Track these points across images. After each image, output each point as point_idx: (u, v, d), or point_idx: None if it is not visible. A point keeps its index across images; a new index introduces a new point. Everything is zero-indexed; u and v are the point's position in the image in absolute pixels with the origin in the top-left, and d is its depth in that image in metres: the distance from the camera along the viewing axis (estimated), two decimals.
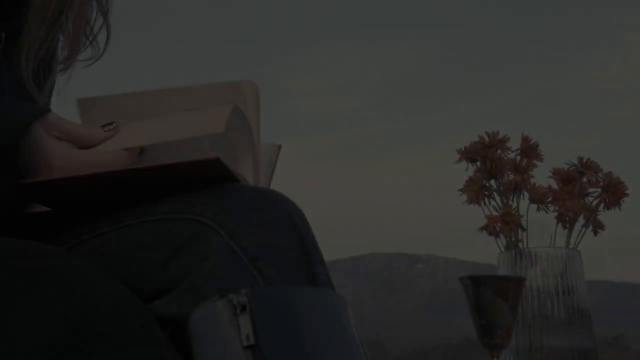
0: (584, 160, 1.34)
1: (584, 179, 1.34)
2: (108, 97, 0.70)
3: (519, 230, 1.31)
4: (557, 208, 1.31)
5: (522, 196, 1.34)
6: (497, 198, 1.35)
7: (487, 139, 1.34)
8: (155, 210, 0.61)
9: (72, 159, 0.62)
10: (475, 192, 1.34)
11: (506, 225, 1.28)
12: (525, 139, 1.35)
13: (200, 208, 0.59)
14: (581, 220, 1.32)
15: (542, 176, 1.36)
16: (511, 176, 1.33)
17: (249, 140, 0.68)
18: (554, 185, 1.35)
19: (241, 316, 0.52)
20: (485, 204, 1.35)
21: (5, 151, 0.58)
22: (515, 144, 1.36)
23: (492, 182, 1.36)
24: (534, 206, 1.33)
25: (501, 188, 1.34)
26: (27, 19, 0.75)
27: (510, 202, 1.33)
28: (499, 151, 1.34)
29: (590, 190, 1.34)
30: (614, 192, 1.30)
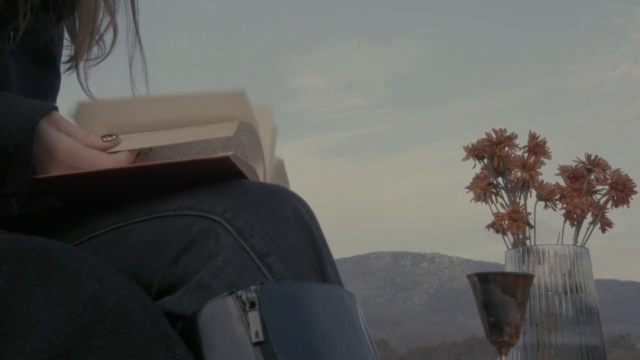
0: (592, 158, 1.33)
1: (592, 176, 1.33)
2: (109, 100, 0.70)
3: (527, 228, 1.30)
4: (564, 205, 1.30)
5: (529, 193, 1.33)
6: (505, 195, 1.35)
7: (494, 136, 1.34)
8: (164, 206, 0.61)
9: (76, 153, 0.62)
10: (483, 189, 1.34)
11: (513, 222, 1.28)
12: (532, 136, 1.35)
13: (209, 204, 0.59)
14: (589, 218, 1.32)
15: (549, 173, 1.36)
16: (518, 173, 1.32)
17: (257, 142, 0.68)
18: (562, 183, 1.35)
19: (250, 312, 0.52)
20: (492, 201, 1.34)
21: (20, 148, 0.58)
22: (522, 141, 1.35)
23: (500, 179, 1.35)
24: (541, 204, 1.33)
25: (508, 185, 1.34)
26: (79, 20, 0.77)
27: (517, 200, 1.33)
28: (506, 148, 1.33)
29: (598, 187, 1.33)
30: (622, 190, 1.30)
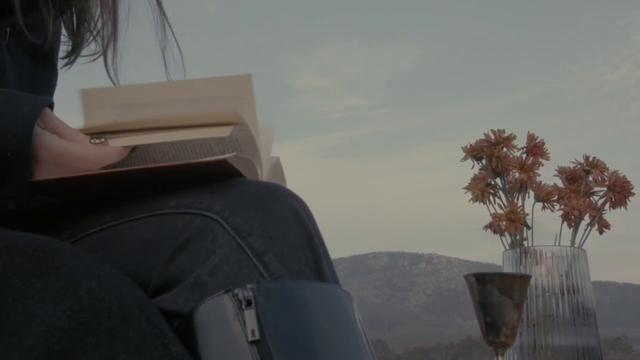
0: (590, 159, 1.33)
1: (590, 178, 1.33)
2: (110, 88, 0.69)
3: (524, 229, 1.30)
4: (562, 207, 1.31)
5: (527, 194, 1.33)
6: (503, 196, 1.35)
7: (492, 136, 1.34)
8: (162, 204, 0.61)
9: (60, 151, 0.61)
10: (481, 190, 1.34)
11: (511, 223, 1.28)
12: (531, 137, 1.35)
13: (206, 202, 0.59)
14: (586, 219, 1.32)
15: (547, 174, 1.36)
16: (517, 174, 1.32)
17: (252, 141, 0.67)
18: (560, 184, 1.35)
19: (247, 311, 0.52)
20: (490, 202, 1.34)
21: (18, 153, 0.58)
22: (521, 142, 1.35)
23: (498, 180, 1.35)
24: (539, 205, 1.33)
25: (506, 186, 1.34)
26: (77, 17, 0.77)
27: (515, 201, 1.33)
28: (504, 149, 1.33)
29: (596, 189, 1.33)
30: (620, 191, 1.30)
